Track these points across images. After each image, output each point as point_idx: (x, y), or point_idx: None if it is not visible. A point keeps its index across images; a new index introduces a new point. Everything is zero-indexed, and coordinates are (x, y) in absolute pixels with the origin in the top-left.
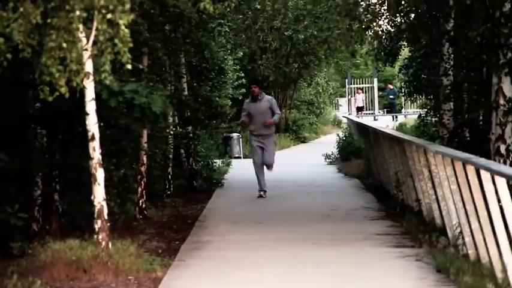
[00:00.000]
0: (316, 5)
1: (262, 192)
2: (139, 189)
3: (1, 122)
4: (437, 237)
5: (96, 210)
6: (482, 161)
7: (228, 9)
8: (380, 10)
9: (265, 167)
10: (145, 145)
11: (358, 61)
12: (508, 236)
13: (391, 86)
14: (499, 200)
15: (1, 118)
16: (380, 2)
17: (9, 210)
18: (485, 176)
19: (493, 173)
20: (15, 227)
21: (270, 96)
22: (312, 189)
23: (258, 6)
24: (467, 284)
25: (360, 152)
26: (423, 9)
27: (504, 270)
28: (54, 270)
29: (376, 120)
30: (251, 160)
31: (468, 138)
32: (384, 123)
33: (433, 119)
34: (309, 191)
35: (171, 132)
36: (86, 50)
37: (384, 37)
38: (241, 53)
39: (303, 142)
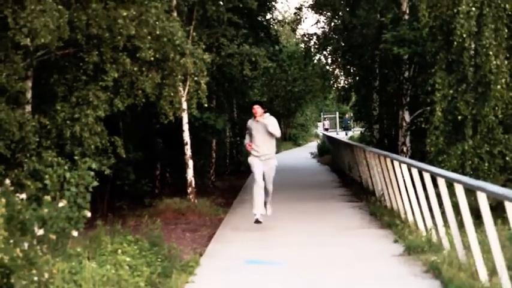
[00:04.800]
0: (305, 71)
1: (258, 216)
2: (211, 171)
3: (139, 136)
4: (370, 196)
5: (188, 182)
6: (394, 155)
7: (259, 73)
8: (340, 75)
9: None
10: (214, 147)
11: (328, 102)
12: (407, 195)
13: (346, 116)
14: (403, 176)
15: (139, 134)
16: (339, 69)
17: (143, 182)
18: (396, 163)
19: (400, 162)
20: (146, 191)
21: (273, 117)
22: (302, 171)
23: (272, 71)
24: (386, 220)
25: (329, 151)
26: (362, 74)
27: (405, 213)
28: (167, 214)
29: (338, 134)
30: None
31: (387, 144)
32: (342, 136)
33: (368, 133)
34: (300, 172)
35: (228, 140)
36: (183, 96)
37: (341, 90)
38: (265, 98)
39: (298, 146)
